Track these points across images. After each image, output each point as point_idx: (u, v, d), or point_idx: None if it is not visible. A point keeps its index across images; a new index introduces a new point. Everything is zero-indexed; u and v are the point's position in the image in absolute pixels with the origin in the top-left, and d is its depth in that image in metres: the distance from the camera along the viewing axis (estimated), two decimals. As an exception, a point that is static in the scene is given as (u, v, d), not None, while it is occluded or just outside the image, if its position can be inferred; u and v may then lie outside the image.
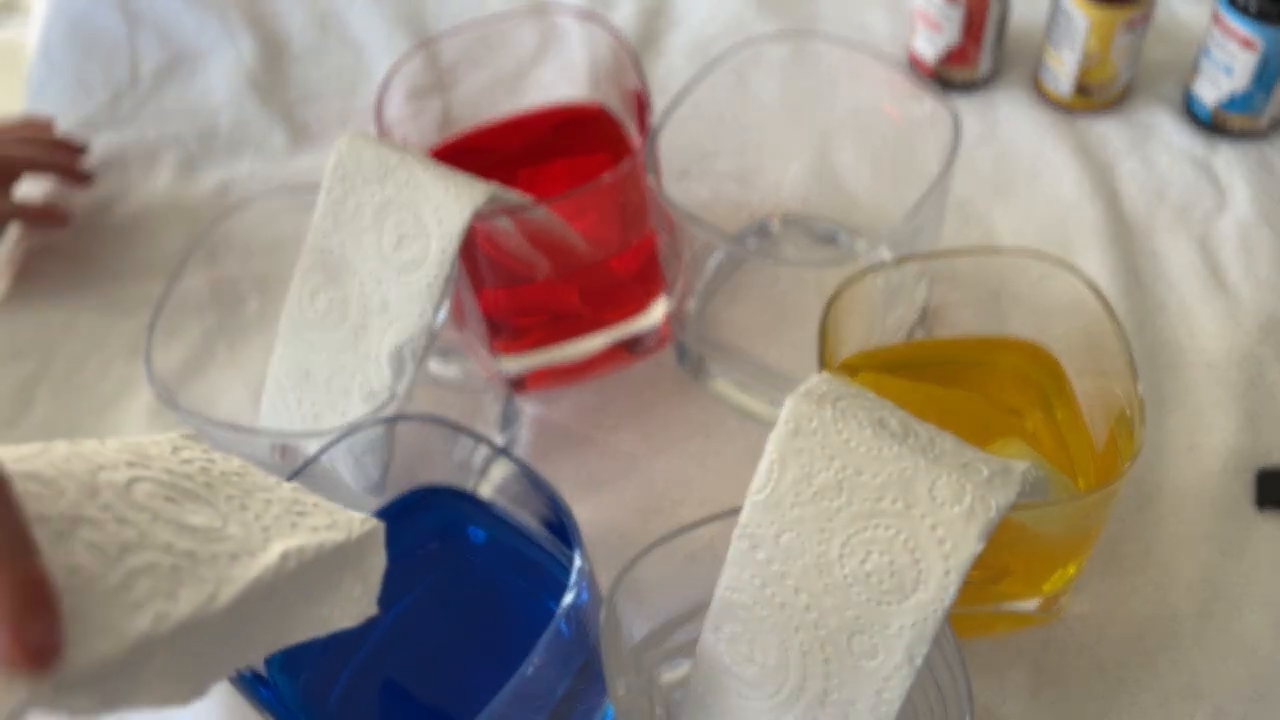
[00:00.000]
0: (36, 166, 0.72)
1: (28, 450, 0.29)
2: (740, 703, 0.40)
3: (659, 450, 0.60)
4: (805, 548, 0.37)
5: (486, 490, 0.48)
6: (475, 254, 0.54)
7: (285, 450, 0.48)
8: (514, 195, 0.49)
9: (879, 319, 0.53)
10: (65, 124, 0.79)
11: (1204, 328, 0.62)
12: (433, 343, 0.48)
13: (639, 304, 0.62)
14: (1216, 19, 0.67)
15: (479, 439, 0.45)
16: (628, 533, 0.56)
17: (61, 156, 0.73)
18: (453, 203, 0.47)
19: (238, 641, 0.30)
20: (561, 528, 0.42)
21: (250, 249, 0.58)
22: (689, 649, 0.42)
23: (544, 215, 0.51)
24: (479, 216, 0.47)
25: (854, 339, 0.52)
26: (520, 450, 0.61)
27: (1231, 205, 0.68)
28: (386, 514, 0.48)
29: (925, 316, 0.57)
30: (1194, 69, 0.71)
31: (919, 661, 0.35)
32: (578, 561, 0.40)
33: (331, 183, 0.49)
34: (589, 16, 0.62)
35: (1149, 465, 0.57)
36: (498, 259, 0.55)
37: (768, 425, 0.37)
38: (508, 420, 0.60)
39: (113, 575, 0.27)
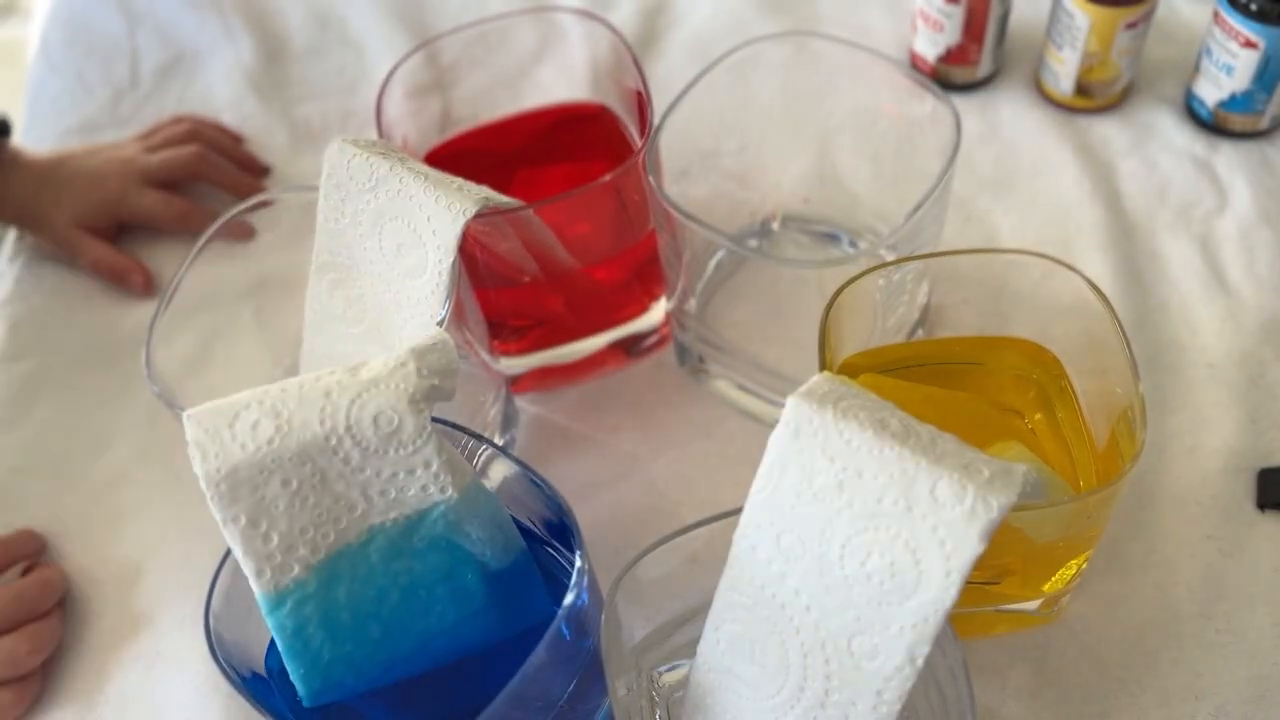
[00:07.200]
0: (219, 182, 0.72)
1: None
2: (740, 703, 0.40)
3: (659, 450, 0.60)
4: (806, 548, 0.36)
5: (486, 491, 0.47)
6: (475, 254, 0.54)
7: None
8: (505, 199, 0.49)
9: (879, 319, 0.53)
10: (65, 124, 0.79)
11: (1205, 328, 0.62)
12: None
13: (639, 304, 0.62)
14: (1218, 19, 0.67)
15: (479, 439, 0.45)
16: (628, 533, 0.56)
17: (245, 178, 0.73)
18: (444, 213, 0.46)
19: None
20: (562, 528, 0.42)
21: (251, 249, 0.58)
22: (689, 650, 0.42)
23: (531, 220, 0.51)
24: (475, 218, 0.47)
25: (854, 339, 0.51)
26: (520, 450, 0.61)
27: (1232, 205, 0.68)
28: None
29: (925, 316, 0.57)
30: (1195, 69, 0.71)
31: (920, 662, 0.35)
32: (578, 562, 0.40)
33: (327, 190, 0.49)
34: (589, 16, 0.62)
35: (1150, 465, 0.57)
36: (487, 260, 0.55)
37: (768, 426, 0.37)
38: (508, 420, 0.60)
39: None
